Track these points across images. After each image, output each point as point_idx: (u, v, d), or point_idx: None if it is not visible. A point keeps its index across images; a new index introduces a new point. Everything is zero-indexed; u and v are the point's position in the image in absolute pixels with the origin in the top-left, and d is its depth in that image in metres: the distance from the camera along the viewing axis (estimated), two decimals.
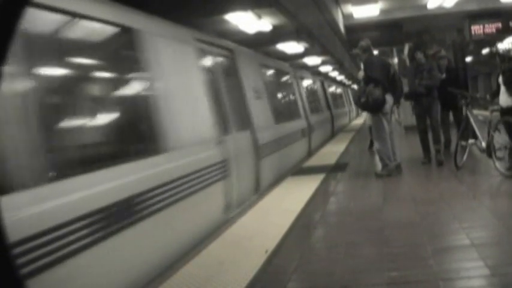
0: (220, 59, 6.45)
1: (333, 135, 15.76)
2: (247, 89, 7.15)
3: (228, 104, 6.14)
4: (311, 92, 14.26)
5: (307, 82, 13.97)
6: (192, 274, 3.53)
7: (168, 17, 5.04)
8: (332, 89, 20.63)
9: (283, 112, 9.68)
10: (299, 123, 10.52)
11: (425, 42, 10.66)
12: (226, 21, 7.90)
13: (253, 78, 7.82)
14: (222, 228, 4.77)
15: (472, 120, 6.88)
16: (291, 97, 11.21)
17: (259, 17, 8.21)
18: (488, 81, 29.98)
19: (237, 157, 5.87)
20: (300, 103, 11.37)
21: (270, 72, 9.89)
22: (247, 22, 8.23)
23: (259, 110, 7.47)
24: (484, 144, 6.61)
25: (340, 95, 23.95)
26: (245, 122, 6.76)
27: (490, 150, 6.43)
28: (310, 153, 10.90)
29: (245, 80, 7.13)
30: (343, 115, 21.84)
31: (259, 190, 6.70)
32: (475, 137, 7.10)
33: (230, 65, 6.82)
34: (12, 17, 1.03)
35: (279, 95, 10.32)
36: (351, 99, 27.43)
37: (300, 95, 11.70)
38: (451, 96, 7.51)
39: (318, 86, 15.56)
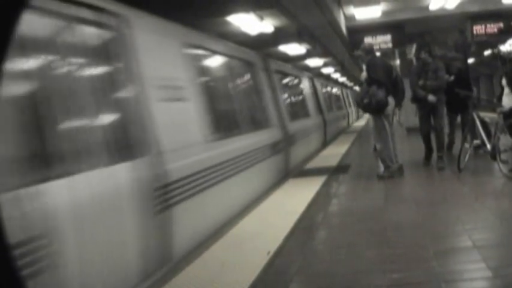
0: (79, 28, 3.50)
1: (325, 144, 13.26)
2: (149, 84, 4.20)
3: (85, 114, 3.43)
4: (294, 91, 11.80)
5: (287, 79, 11.18)
6: (194, 275, 3.53)
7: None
8: (326, 88, 17.77)
9: (237, 120, 6.82)
10: (268, 135, 7.73)
11: (427, 42, 10.65)
12: (228, 23, 7.91)
13: (169, 67, 4.89)
14: (224, 230, 4.76)
15: (477, 122, 6.85)
16: (256, 98, 8.09)
17: (261, 18, 8.22)
18: (490, 82, 29.90)
19: (95, 220, 3.13)
20: (271, 106, 8.51)
21: (213, 60, 6.75)
22: (249, 24, 8.23)
23: (175, 120, 4.57)
24: (489, 146, 6.58)
25: (337, 96, 21.54)
26: (136, 144, 3.83)
27: (494, 152, 6.39)
28: (289, 173, 8.34)
29: (146, 69, 4.19)
30: (340, 119, 19.27)
31: (172, 259, 3.99)
32: (480, 138, 7.08)
33: (110, 42, 3.88)
34: (11, 18, 1.03)
35: (231, 95, 7.05)
36: (350, 100, 26.89)
37: (274, 95, 8.94)
38: (459, 98, 7.35)
39: (305, 84, 12.87)
